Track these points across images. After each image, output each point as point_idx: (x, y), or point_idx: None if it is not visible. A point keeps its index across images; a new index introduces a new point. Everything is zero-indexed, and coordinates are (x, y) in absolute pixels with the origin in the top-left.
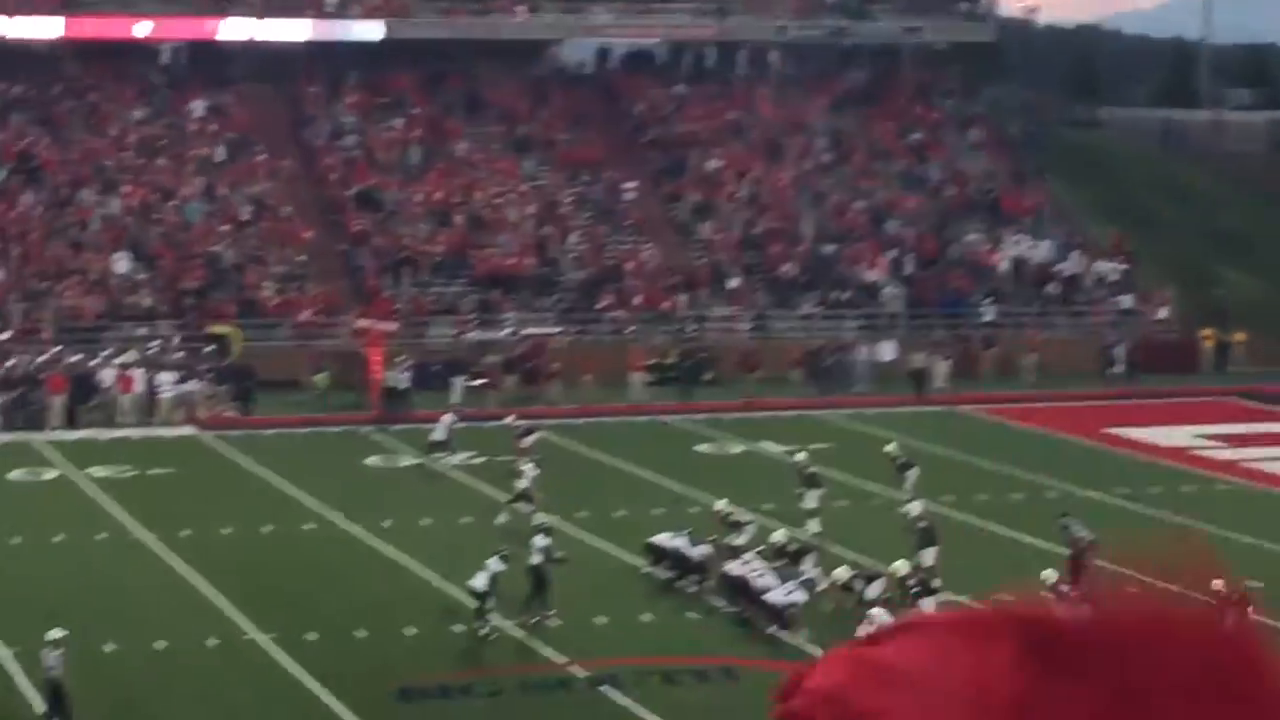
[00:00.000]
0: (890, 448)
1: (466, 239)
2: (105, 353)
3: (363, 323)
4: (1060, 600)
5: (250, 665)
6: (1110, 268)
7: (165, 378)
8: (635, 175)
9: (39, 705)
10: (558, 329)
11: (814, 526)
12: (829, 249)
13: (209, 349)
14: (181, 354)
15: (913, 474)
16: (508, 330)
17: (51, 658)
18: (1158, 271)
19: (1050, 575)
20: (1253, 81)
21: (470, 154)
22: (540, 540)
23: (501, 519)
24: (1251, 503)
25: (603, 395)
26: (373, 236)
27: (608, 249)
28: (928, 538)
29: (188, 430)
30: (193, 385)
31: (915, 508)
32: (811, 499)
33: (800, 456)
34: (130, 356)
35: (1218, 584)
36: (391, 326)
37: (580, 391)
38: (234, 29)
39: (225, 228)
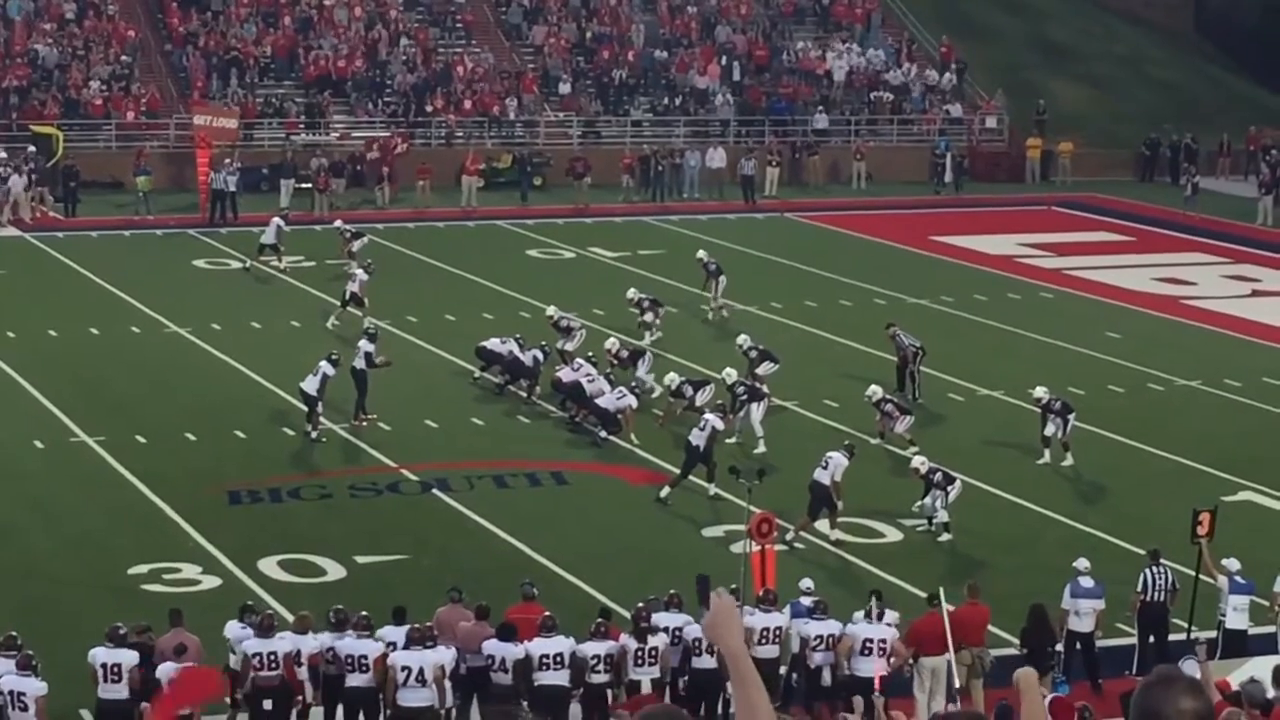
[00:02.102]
0: (701, 254)
1: (295, 40)
2: None
3: (200, 119)
4: (885, 417)
5: (78, 468)
6: (939, 76)
7: None
8: None
9: None
10: (401, 132)
11: (656, 333)
12: (660, 55)
13: (32, 149)
14: (4, 154)
15: (723, 280)
16: (336, 134)
17: None
18: (987, 81)
19: (875, 391)
20: None
21: None
22: (364, 344)
23: (332, 322)
24: (1072, 310)
25: (434, 200)
26: (200, 37)
27: (438, 52)
28: (767, 355)
29: (11, 231)
30: (16, 185)
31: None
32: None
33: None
34: None
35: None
36: (232, 122)
37: (412, 196)
38: None
39: (49, 26)
